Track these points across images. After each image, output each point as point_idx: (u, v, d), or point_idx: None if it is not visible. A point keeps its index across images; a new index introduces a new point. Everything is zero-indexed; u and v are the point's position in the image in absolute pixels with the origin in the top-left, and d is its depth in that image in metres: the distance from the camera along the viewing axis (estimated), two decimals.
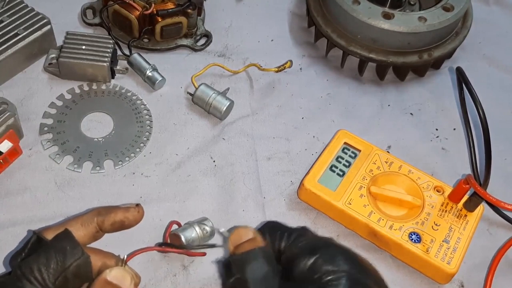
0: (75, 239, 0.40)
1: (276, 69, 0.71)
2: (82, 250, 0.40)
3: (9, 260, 0.41)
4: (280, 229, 0.44)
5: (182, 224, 0.55)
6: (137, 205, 0.45)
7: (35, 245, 0.40)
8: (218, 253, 0.55)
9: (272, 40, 0.77)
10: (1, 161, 0.58)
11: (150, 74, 0.68)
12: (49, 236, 0.40)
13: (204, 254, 0.53)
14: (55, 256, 0.39)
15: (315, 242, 0.43)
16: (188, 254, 0.53)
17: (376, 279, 0.41)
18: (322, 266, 0.40)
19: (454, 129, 0.70)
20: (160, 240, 0.56)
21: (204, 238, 0.54)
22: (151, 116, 0.66)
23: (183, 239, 0.53)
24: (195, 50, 0.74)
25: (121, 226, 0.44)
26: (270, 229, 0.44)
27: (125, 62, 0.70)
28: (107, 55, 0.66)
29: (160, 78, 0.68)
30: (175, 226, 0.55)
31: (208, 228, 0.54)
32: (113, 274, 0.39)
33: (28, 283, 0.38)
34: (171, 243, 0.53)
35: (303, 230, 0.44)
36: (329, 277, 0.39)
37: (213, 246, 0.49)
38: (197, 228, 0.54)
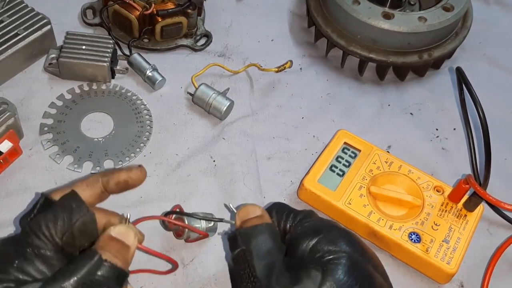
0: (81, 198, 0.42)
1: (276, 69, 0.71)
2: (87, 208, 0.42)
3: (19, 220, 0.42)
4: (287, 210, 0.46)
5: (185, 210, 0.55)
6: (140, 165, 0.47)
7: (43, 206, 0.42)
8: (217, 253, 0.55)
9: (272, 40, 0.77)
10: (1, 161, 0.58)
11: (150, 74, 0.68)
12: (57, 197, 0.42)
13: (207, 235, 0.52)
14: (62, 213, 0.41)
15: (319, 224, 0.44)
16: (191, 229, 0.52)
17: (374, 263, 0.43)
18: (324, 246, 0.42)
19: (454, 129, 0.70)
20: (161, 244, 0.56)
21: (206, 229, 0.54)
22: (151, 116, 0.66)
23: (185, 221, 0.52)
24: (195, 50, 0.74)
25: (126, 186, 0.46)
26: (278, 209, 0.46)
27: (125, 62, 0.70)
28: (107, 55, 0.66)
29: (160, 78, 0.68)
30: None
31: (211, 222, 0.54)
32: (117, 230, 0.41)
33: (37, 239, 0.40)
34: (177, 211, 0.53)
35: (309, 213, 0.46)
36: (330, 257, 0.41)
37: (220, 220, 0.49)
38: (203, 222, 0.53)
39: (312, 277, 0.39)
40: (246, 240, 0.42)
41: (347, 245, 0.42)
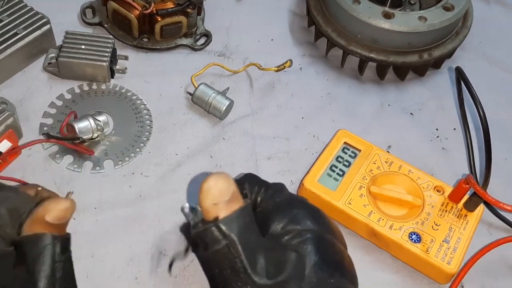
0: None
1: (276, 68, 0.71)
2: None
3: None
4: (258, 183, 0.46)
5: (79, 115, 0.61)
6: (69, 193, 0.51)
7: None
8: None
9: (272, 39, 0.77)
10: (0, 161, 0.58)
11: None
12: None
13: (92, 152, 0.59)
14: None
15: (290, 201, 0.45)
16: (76, 147, 0.59)
17: (339, 237, 0.45)
18: (293, 227, 0.42)
19: (454, 129, 0.70)
20: (160, 243, 0.56)
21: (97, 130, 0.60)
22: (151, 116, 0.66)
23: (76, 128, 0.58)
24: (195, 50, 0.74)
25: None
26: (249, 180, 0.46)
27: (125, 62, 0.70)
28: (107, 54, 0.66)
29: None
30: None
31: (101, 122, 0.60)
32: (53, 216, 0.40)
33: None
34: (61, 136, 0.60)
35: (280, 186, 0.46)
36: (298, 240, 0.41)
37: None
38: (91, 120, 0.59)
39: (293, 261, 0.39)
40: (228, 233, 0.37)
41: (313, 223, 0.42)
